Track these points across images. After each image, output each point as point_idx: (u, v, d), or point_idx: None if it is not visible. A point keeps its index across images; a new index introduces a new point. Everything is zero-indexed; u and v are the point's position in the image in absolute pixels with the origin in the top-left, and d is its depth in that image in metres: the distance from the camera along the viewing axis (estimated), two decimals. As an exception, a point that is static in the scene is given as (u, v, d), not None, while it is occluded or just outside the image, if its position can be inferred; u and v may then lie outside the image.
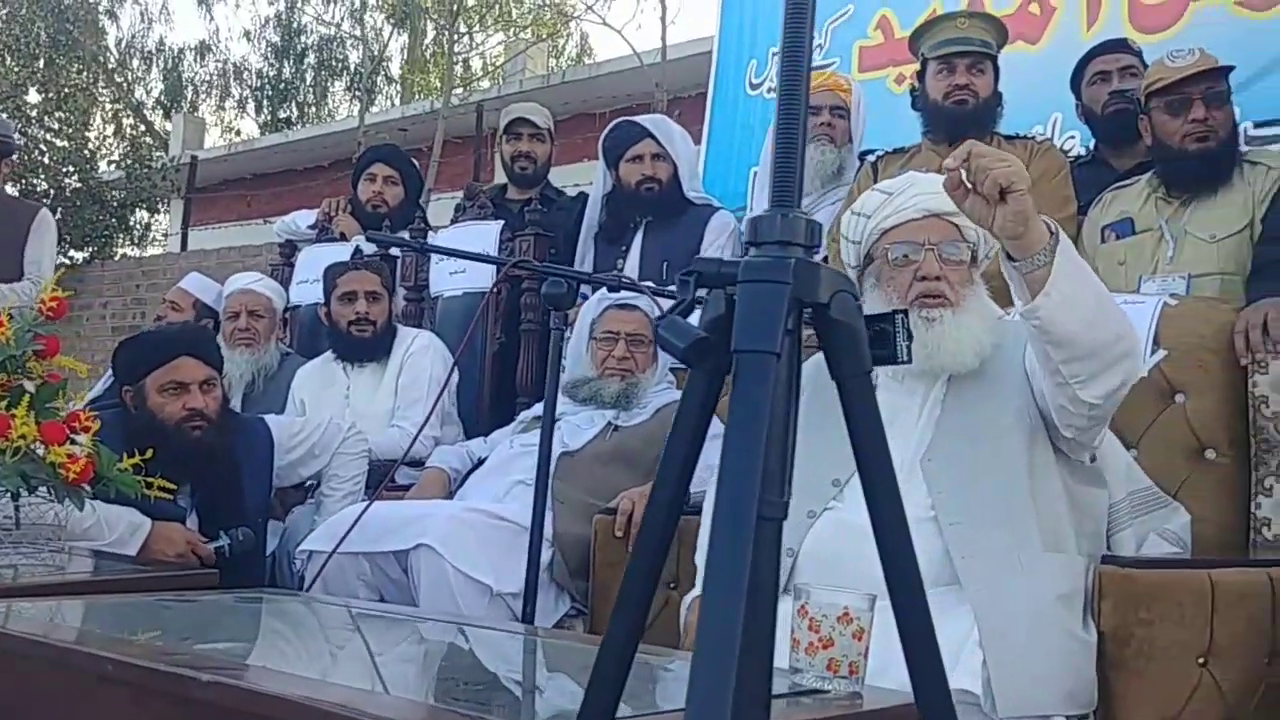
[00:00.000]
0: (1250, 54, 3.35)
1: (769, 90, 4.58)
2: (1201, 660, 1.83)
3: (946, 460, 1.92)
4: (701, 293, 0.90)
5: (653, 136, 3.46)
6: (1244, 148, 2.83)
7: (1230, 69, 2.70)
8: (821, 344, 0.93)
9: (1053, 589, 1.81)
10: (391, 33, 15.33)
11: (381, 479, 2.71)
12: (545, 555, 2.35)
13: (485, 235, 3.67)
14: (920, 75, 3.10)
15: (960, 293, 1.96)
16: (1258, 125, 3.36)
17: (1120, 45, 3.22)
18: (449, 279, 3.79)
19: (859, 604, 1.39)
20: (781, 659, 1.16)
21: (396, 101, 15.30)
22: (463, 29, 13.27)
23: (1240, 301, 2.42)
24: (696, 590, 2.03)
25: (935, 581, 1.84)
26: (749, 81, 4.85)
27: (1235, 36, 3.54)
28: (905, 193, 2.04)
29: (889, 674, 1.64)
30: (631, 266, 3.42)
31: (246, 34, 18.98)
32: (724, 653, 0.72)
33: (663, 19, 14.93)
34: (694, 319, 0.92)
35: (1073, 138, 3.87)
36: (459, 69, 13.61)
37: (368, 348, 3.41)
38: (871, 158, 3.17)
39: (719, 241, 3.41)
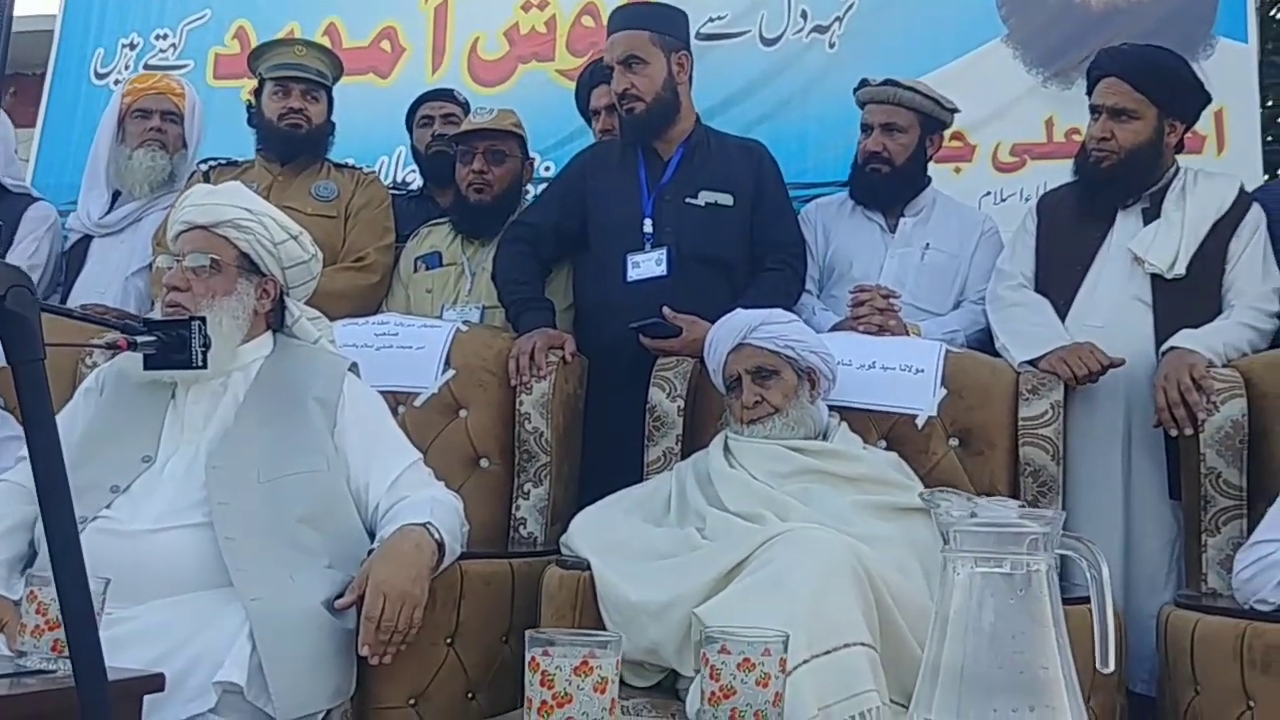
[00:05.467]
0: (566, 117, 3.85)
1: (115, 82, 4.36)
2: (449, 640, 2.09)
3: (229, 471, 1.99)
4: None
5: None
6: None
7: (520, 136, 3.09)
8: (-1, 334, 0.96)
9: (321, 594, 1.94)
10: None
11: None
12: None
13: None
14: (258, 93, 3.17)
15: (204, 303, 2.05)
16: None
17: (446, 94, 3.54)
18: None
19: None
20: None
21: None
22: None
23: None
24: None
25: (209, 582, 1.91)
26: (94, 70, 4.58)
27: (552, 100, 4.06)
28: (187, 202, 2.14)
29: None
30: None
31: None
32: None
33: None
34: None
35: (414, 171, 4.18)
36: None
37: None
38: (204, 166, 3.18)
39: (36, 233, 3.19)
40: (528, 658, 1.12)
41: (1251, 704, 1.80)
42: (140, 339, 1.90)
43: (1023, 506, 1.17)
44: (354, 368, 2.26)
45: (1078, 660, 1.98)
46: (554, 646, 1.12)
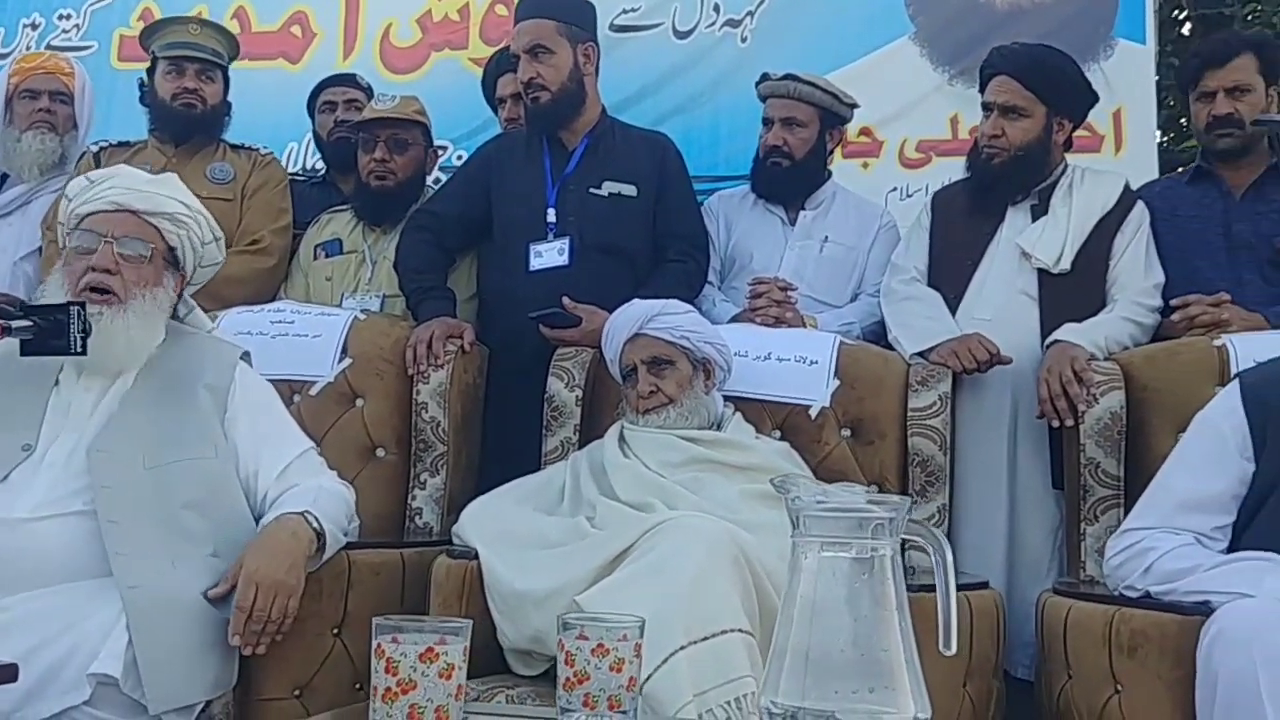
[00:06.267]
0: (479, 106, 3.83)
1: (13, 63, 4.23)
2: (335, 631, 2.07)
3: (113, 455, 1.96)
4: None
5: None
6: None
7: (423, 124, 3.07)
8: None
9: (202, 583, 1.91)
10: None
11: None
12: None
13: None
14: (150, 72, 3.11)
15: (133, 291, 2.01)
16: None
17: (348, 80, 3.50)
18: None
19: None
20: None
21: None
22: None
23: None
24: None
25: (87, 572, 1.88)
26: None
27: (465, 88, 4.04)
28: (106, 182, 2.07)
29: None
30: None
31: None
32: None
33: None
34: None
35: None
36: None
37: None
38: (94, 147, 3.11)
39: None
40: (373, 645, 1.12)
41: (1120, 688, 1.85)
42: (15, 324, 1.87)
43: (869, 491, 1.20)
44: (246, 356, 2.23)
45: (975, 645, 2.03)
46: (402, 634, 1.12)
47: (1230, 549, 1.88)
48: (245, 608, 1.84)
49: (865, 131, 3.96)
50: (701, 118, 3.99)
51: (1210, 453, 1.91)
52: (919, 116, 3.89)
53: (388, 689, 1.12)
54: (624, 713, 1.23)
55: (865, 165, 3.99)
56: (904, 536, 1.18)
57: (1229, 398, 1.93)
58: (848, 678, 1.10)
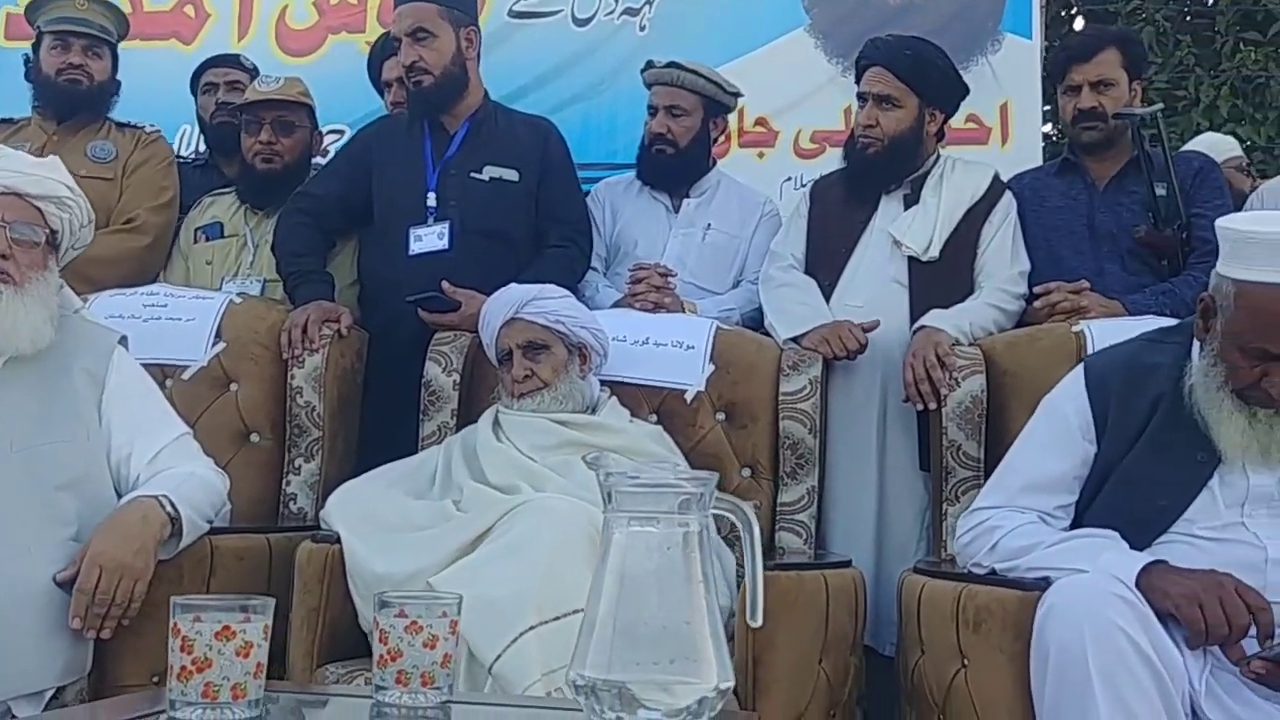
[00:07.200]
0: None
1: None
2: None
3: None
4: None
5: None
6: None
7: (308, 106, 3.05)
8: None
9: (57, 566, 1.88)
10: None
11: None
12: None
13: None
14: (35, 47, 3.04)
15: (28, 275, 1.99)
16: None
17: (231, 60, 3.45)
18: None
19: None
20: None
21: None
22: None
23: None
24: None
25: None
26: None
27: (363, 72, 4.00)
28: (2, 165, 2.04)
29: None
30: None
31: None
32: None
33: None
34: None
35: (212, 139, 4.04)
36: None
37: None
38: (-23, 128, 3.03)
39: None
40: (171, 624, 1.12)
41: (966, 662, 1.90)
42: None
43: (678, 468, 1.22)
44: (124, 341, 2.21)
45: (831, 622, 2.07)
46: (203, 612, 1.12)
47: (1073, 527, 1.95)
48: (87, 590, 1.82)
49: (761, 122, 4.02)
50: (600, 105, 4.01)
51: (1054, 435, 1.97)
52: (813, 108, 3.94)
53: (183, 668, 1.12)
54: (438, 689, 1.24)
55: (761, 155, 4.04)
56: (715, 510, 1.20)
57: (1074, 382, 1.99)
58: (651, 649, 1.12)
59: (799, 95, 3.96)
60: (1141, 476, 1.88)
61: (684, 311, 2.73)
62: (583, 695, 1.13)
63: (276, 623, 2.16)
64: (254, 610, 1.16)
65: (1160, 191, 2.60)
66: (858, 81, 2.77)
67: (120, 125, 3.08)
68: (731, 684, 1.15)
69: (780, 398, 2.47)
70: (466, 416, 2.51)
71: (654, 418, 2.52)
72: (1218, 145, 3.80)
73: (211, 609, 1.14)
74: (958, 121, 3.82)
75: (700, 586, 1.15)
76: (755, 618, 1.20)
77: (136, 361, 2.21)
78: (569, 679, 1.14)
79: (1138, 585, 1.72)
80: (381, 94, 3.34)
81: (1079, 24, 5.57)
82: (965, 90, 2.80)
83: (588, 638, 1.15)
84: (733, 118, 3.89)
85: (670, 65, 2.96)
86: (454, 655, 1.27)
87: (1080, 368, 2.01)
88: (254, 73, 3.37)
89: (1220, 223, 1.83)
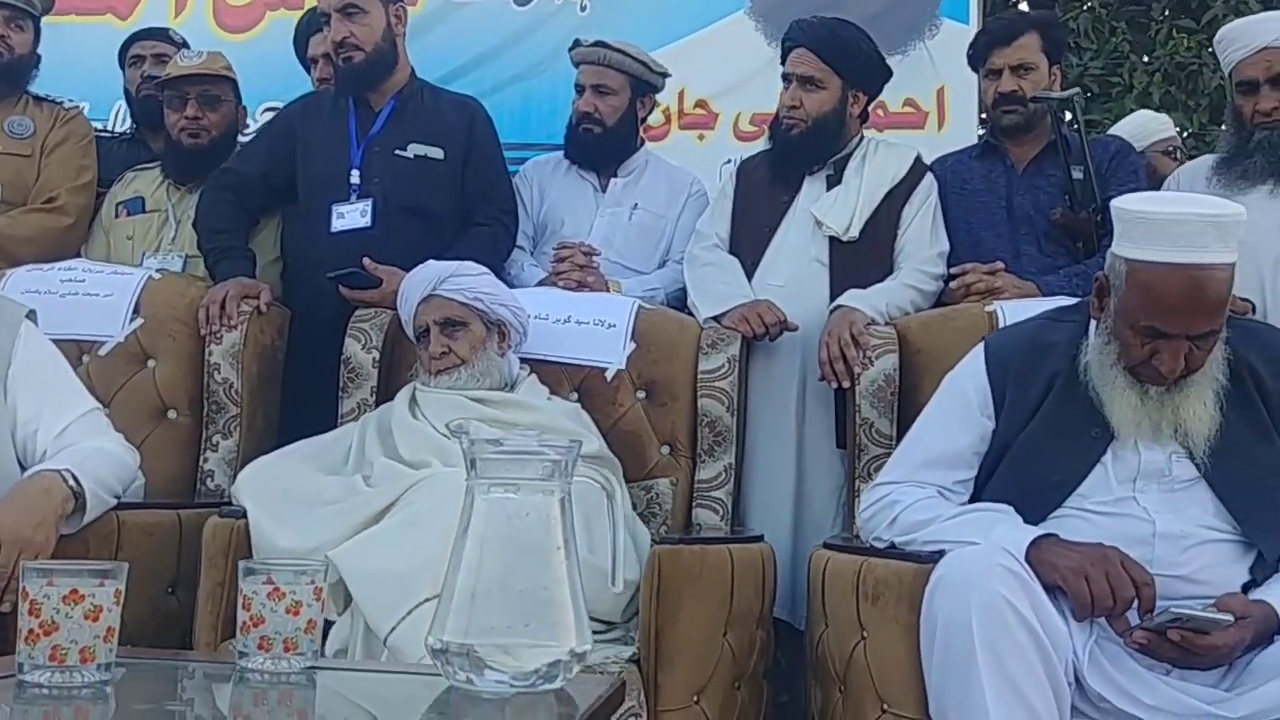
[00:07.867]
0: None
1: None
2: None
3: None
4: None
5: None
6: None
7: (232, 80, 3.03)
8: None
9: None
10: None
11: None
12: None
13: None
14: (-49, 20, 3.00)
15: None
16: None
17: (160, 33, 3.41)
18: None
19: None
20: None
21: None
22: None
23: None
24: None
25: None
26: None
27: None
28: None
29: None
30: None
31: None
32: None
33: None
34: None
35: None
36: None
37: None
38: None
39: None
40: (19, 589, 1.12)
41: (865, 635, 1.93)
42: None
43: (541, 436, 1.23)
44: (32, 315, 2.18)
45: (736, 596, 2.09)
46: (55, 576, 1.12)
47: (972, 501, 1.97)
48: None
49: (701, 104, 4.03)
50: (541, 86, 4.01)
51: (955, 411, 2.00)
52: (753, 90, 3.94)
53: (30, 631, 1.12)
54: (301, 654, 1.25)
55: (701, 137, 4.06)
56: (577, 478, 1.22)
57: (974, 360, 2.02)
58: (506, 614, 1.14)
59: (739, 78, 3.97)
60: (1037, 452, 1.91)
61: (607, 290, 2.74)
62: (439, 660, 1.14)
63: (186, 597, 2.20)
64: (108, 575, 1.16)
65: (1077, 175, 2.64)
66: (783, 62, 2.78)
67: (39, 100, 3.04)
68: (589, 648, 1.17)
69: (699, 376, 2.49)
70: (386, 394, 2.51)
71: (575, 396, 2.53)
72: (1150, 124, 3.82)
73: (61, 573, 1.14)
74: (895, 105, 3.91)
75: (560, 552, 1.17)
76: (615, 583, 1.22)
77: (46, 336, 2.19)
78: (427, 643, 1.15)
79: (1027, 558, 1.75)
80: (308, 70, 3.31)
81: (1024, 8, 5.61)
82: (888, 73, 2.81)
83: (447, 602, 1.17)
84: (673, 100, 3.95)
85: (597, 44, 2.96)
86: (318, 621, 1.27)
87: (981, 346, 2.04)
88: (182, 46, 3.33)
89: (1115, 203, 1.86)
